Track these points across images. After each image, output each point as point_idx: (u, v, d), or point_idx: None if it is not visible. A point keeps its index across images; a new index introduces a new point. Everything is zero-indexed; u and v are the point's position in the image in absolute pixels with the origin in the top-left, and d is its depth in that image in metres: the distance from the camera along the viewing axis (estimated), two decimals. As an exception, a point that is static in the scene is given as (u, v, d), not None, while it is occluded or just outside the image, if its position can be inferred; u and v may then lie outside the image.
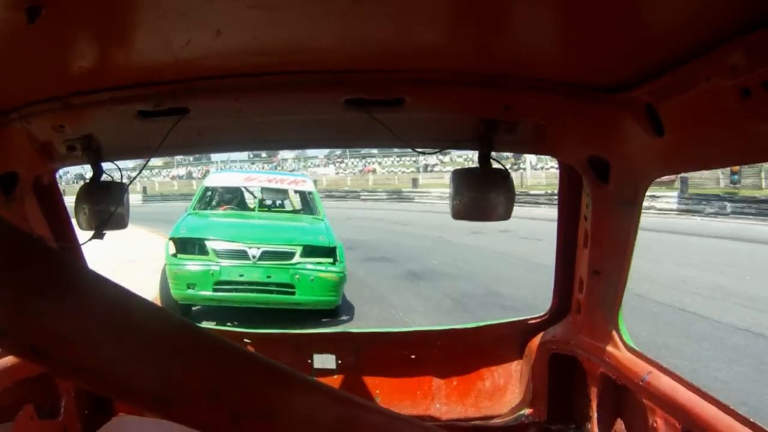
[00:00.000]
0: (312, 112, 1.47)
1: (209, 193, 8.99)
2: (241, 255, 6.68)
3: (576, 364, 1.94)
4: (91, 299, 0.59)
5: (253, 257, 6.67)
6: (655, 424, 1.46)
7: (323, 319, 6.95)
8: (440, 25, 1.06)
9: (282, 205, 10.23)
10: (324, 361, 2.13)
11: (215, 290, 6.55)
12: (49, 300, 0.55)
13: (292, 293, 6.63)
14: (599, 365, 1.77)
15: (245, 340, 2.12)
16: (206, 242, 6.73)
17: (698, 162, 1.35)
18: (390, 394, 2.11)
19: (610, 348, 1.73)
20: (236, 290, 6.61)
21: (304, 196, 9.29)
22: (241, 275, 6.58)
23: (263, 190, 9.29)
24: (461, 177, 1.61)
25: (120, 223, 1.72)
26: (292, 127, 1.63)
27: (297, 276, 6.63)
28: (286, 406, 0.67)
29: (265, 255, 6.69)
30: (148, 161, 1.69)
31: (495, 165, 1.58)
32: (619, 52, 1.14)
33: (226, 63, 1.25)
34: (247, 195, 9.89)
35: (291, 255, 6.76)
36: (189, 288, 6.52)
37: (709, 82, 0.99)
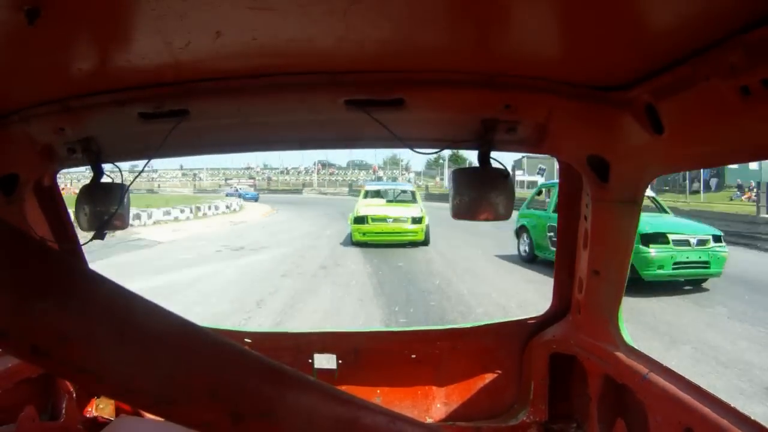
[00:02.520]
0: (312, 112, 1.47)
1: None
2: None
3: (576, 363, 1.94)
4: (92, 300, 0.59)
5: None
6: (655, 423, 1.46)
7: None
8: (440, 25, 1.06)
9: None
10: (324, 360, 2.13)
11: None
12: (49, 301, 0.55)
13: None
14: (599, 364, 1.77)
15: (246, 339, 2.12)
16: None
17: (698, 161, 1.36)
18: (390, 393, 2.11)
19: (610, 347, 1.73)
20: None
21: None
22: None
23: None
24: (461, 177, 1.61)
25: (121, 223, 1.72)
26: (292, 127, 1.63)
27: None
28: (287, 406, 0.67)
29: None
30: (147, 163, 1.69)
31: (495, 165, 1.58)
32: (618, 52, 1.14)
33: (226, 64, 1.25)
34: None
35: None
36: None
37: (709, 81, 1.00)
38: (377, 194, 17.92)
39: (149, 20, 0.97)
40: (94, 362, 0.58)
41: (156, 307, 0.65)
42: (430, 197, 38.57)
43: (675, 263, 8.98)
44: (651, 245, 8.94)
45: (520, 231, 12.54)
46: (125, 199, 1.73)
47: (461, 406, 2.14)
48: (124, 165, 1.73)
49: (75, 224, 1.85)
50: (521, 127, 1.52)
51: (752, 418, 1.22)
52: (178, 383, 0.62)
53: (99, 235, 1.66)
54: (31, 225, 1.77)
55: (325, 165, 76.12)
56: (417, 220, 14.87)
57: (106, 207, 1.66)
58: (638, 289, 8.55)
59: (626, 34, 1.03)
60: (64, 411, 1.92)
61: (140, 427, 1.79)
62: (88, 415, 2.05)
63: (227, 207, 30.42)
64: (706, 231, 9.71)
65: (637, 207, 1.57)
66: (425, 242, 14.90)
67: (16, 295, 0.53)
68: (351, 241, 15.15)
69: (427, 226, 14.98)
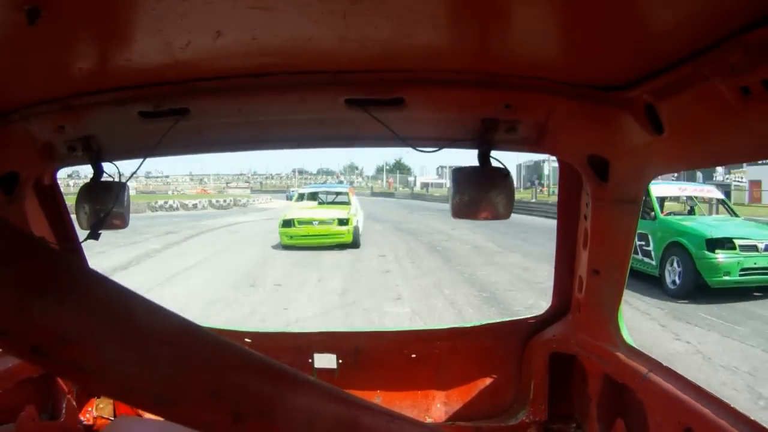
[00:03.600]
0: (312, 111, 1.47)
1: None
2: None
3: (576, 363, 1.94)
4: (92, 300, 0.59)
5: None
6: (655, 423, 1.46)
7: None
8: (440, 25, 1.06)
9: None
10: (325, 360, 2.13)
11: None
12: (50, 300, 0.55)
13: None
14: (599, 364, 1.77)
15: (246, 339, 2.12)
16: None
17: (698, 160, 1.36)
18: (390, 393, 2.11)
19: (610, 347, 1.73)
20: None
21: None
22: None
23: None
24: (461, 176, 1.61)
25: (121, 222, 1.72)
26: (292, 126, 1.63)
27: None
28: (287, 406, 0.68)
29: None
30: (143, 161, 1.68)
31: (495, 164, 1.58)
32: (618, 52, 1.14)
33: (226, 64, 1.25)
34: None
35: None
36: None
37: (709, 81, 1.00)
38: (312, 197, 18.26)
39: (150, 20, 0.97)
40: (94, 362, 0.58)
41: (156, 306, 0.65)
42: (374, 194, 52.74)
43: (742, 269, 8.61)
44: (717, 251, 8.63)
45: None
46: (125, 198, 1.73)
47: (461, 405, 2.14)
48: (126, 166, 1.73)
49: (75, 223, 1.84)
50: (521, 127, 1.52)
51: (752, 418, 1.23)
52: (178, 383, 0.62)
53: (93, 235, 1.65)
54: (32, 224, 1.77)
55: (301, 172, 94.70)
56: (344, 222, 14.92)
57: (107, 206, 1.65)
58: (705, 296, 8.48)
59: (626, 34, 1.03)
60: (64, 411, 1.92)
61: (140, 426, 1.80)
62: (88, 415, 2.05)
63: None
64: None
65: (637, 206, 1.57)
66: (354, 244, 14.88)
67: (17, 295, 0.53)
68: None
69: (357, 228, 15.15)
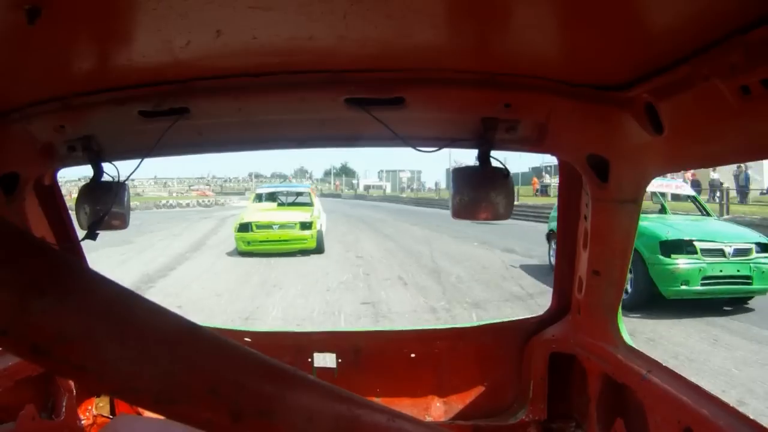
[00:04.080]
0: (312, 111, 1.47)
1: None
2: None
3: (576, 363, 1.94)
4: (92, 298, 0.59)
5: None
6: (654, 423, 1.47)
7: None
8: (440, 24, 1.06)
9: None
10: (324, 359, 2.13)
11: None
12: (50, 299, 0.55)
13: None
14: (599, 364, 1.77)
15: (246, 338, 2.12)
16: None
17: (697, 160, 1.36)
18: (390, 392, 2.11)
19: (609, 347, 1.73)
20: None
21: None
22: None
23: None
24: (461, 176, 1.61)
25: (121, 222, 1.72)
26: (292, 126, 1.63)
27: None
28: (287, 405, 0.68)
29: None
30: (142, 161, 1.68)
31: (495, 164, 1.58)
32: (618, 51, 1.14)
33: (226, 63, 1.25)
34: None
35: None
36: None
37: (709, 81, 1.00)
38: (270, 197, 16.43)
39: (150, 19, 0.97)
40: (94, 361, 0.58)
41: (156, 305, 0.65)
42: (324, 195, 53.83)
43: (705, 278, 7.22)
44: (674, 255, 7.28)
45: (549, 236, 10.67)
46: (125, 199, 1.73)
47: (461, 404, 2.15)
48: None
49: (75, 223, 1.84)
50: (521, 127, 1.52)
51: (751, 417, 1.23)
52: (178, 381, 0.62)
53: (91, 235, 1.65)
54: (32, 224, 1.77)
55: (257, 175, 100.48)
56: (306, 226, 13.42)
57: (107, 206, 1.65)
58: (659, 310, 7.19)
59: (626, 33, 1.03)
60: (63, 409, 1.92)
61: (140, 425, 1.80)
62: (87, 414, 2.06)
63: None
64: (749, 238, 7.79)
65: (637, 206, 1.57)
66: (318, 249, 13.53)
67: (17, 294, 0.53)
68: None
69: (320, 232, 13.75)
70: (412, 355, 2.15)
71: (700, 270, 7.21)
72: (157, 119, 1.43)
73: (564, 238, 1.93)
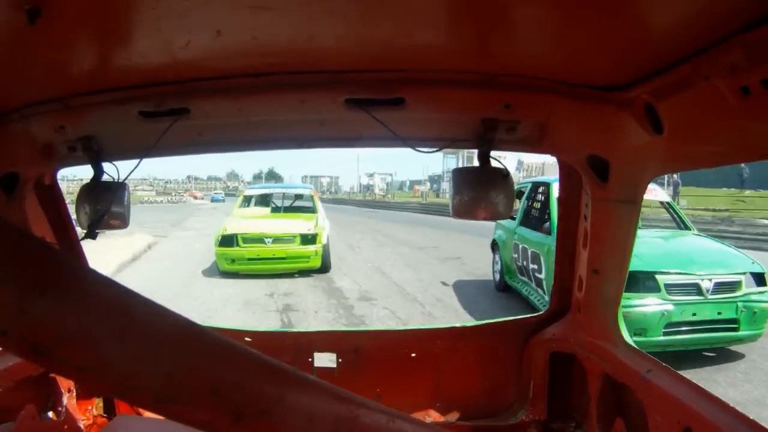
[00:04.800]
0: (312, 111, 1.47)
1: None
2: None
3: (576, 362, 1.94)
4: (92, 298, 0.59)
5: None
6: (654, 423, 1.47)
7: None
8: (440, 24, 1.06)
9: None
10: (325, 359, 2.13)
11: None
12: (50, 299, 0.55)
13: None
14: (599, 363, 1.77)
15: (246, 338, 2.12)
16: None
17: (697, 161, 1.36)
18: (390, 392, 2.11)
19: (609, 346, 1.73)
20: None
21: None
22: None
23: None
24: (461, 176, 1.61)
25: (121, 222, 1.73)
26: (292, 126, 1.63)
27: None
28: (287, 405, 0.68)
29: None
30: (140, 161, 1.69)
31: (494, 164, 1.58)
32: (618, 52, 1.14)
33: (226, 63, 1.25)
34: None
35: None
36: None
37: (709, 81, 1.00)
38: (263, 201, 12.97)
39: (149, 19, 0.97)
40: (94, 361, 0.58)
41: (156, 305, 0.65)
42: None
43: (670, 325, 5.17)
44: (626, 294, 4.50)
45: (493, 246, 9.19)
46: (125, 198, 1.73)
47: (460, 404, 2.15)
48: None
49: (75, 223, 1.85)
50: (521, 127, 1.52)
51: (751, 417, 1.23)
52: (179, 382, 0.62)
53: (91, 235, 1.65)
54: (32, 223, 1.77)
55: (196, 178, 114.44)
56: (309, 239, 10.30)
57: (107, 205, 1.66)
58: None
59: (626, 34, 1.03)
60: (64, 409, 1.92)
61: (140, 425, 1.80)
62: (87, 414, 2.06)
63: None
64: (737, 266, 5.48)
65: (637, 207, 1.57)
66: (324, 269, 10.61)
67: (17, 294, 0.53)
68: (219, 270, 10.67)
69: (326, 247, 10.63)
70: (412, 355, 2.15)
71: (662, 315, 5.14)
72: (157, 120, 1.43)
73: (564, 237, 1.93)
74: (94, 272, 0.61)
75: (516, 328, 2.13)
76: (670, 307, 5.20)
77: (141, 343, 0.60)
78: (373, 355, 2.15)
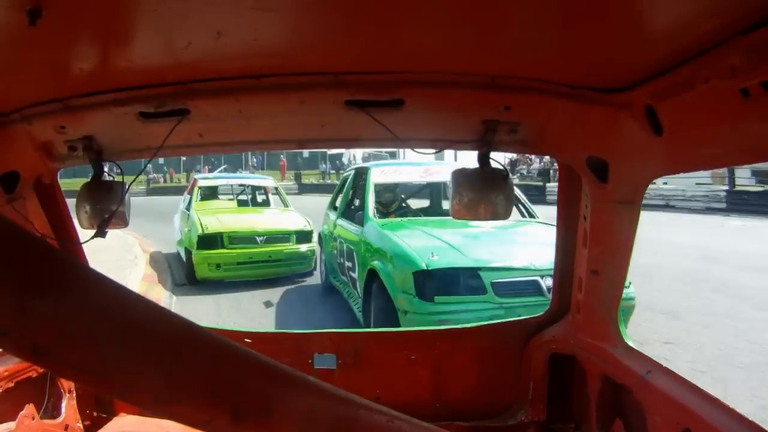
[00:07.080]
0: (312, 112, 1.47)
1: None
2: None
3: (575, 363, 1.94)
4: (93, 299, 0.59)
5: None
6: (654, 424, 1.47)
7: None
8: (440, 26, 1.06)
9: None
10: (325, 360, 2.14)
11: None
12: (50, 300, 0.55)
13: None
14: (599, 364, 1.77)
15: (246, 339, 2.12)
16: None
17: (697, 162, 1.36)
18: (390, 393, 2.11)
19: (609, 347, 1.73)
20: None
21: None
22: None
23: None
24: (461, 177, 1.61)
25: (121, 221, 1.73)
26: (292, 127, 1.63)
27: None
28: (287, 405, 0.68)
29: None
30: (148, 162, 1.69)
31: (494, 165, 1.58)
32: (618, 53, 1.14)
33: (226, 65, 1.25)
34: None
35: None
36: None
37: (709, 83, 1.00)
38: (217, 193, 11.01)
39: (151, 21, 0.97)
40: (94, 361, 0.58)
41: (156, 306, 0.65)
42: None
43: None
44: (436, 298, 4.21)
45: (320, 241, 8.06)
46: (126, 198, 1.73)
47: (460, 405, 2.15)
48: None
49: (76, 222, 1.85)
50: (521, 128, 1.52)
51: (750, 418, 1.23)
52: (178, 382, 0.62)
53: (100, 234, 1.65)
54: (32, 223, 1.77)
55: None
56: (305, 236, 8.58)
57: (107, 205, 1.66)
58: None
59: (626, 35, 1.03)
60: (63, 409, 1.93)
61: (140, 425, 1.80)
62: (87, 414, 2.06)
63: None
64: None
65: (637, 207, 1.57)
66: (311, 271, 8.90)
67: (17, 295, 0.53)
68: (191, 277, 8.24)
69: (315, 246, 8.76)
70: (412, 356, 2.15)
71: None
72: (158, 120, 1.43)
73: (564, 238, 1.93)
74: (94, 272, 0.62)
75: (515, 330, 2.13)
76: (500, 311, 4.17)
77: (141, 343, 0.60)
78: (373, 356, 2.15)
